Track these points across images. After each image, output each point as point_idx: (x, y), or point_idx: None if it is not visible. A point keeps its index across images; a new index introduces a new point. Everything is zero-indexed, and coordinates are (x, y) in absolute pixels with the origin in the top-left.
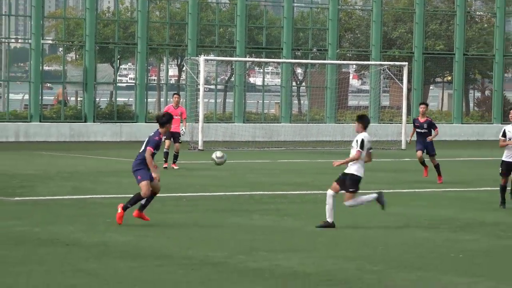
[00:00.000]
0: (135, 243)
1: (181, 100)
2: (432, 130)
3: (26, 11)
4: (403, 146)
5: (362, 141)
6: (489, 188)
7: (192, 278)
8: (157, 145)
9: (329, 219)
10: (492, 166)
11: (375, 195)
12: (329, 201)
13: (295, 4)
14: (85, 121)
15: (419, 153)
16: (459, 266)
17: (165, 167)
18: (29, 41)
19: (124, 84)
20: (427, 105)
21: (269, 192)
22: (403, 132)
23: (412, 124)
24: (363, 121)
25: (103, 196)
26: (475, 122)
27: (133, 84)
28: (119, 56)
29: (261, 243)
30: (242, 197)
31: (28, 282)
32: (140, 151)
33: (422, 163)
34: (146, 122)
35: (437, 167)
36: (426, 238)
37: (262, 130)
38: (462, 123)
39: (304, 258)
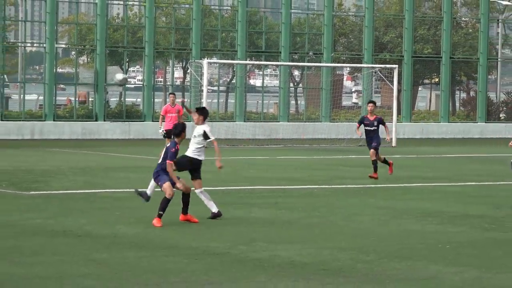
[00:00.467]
0: (143, 234)
1: (185, 100)
2: (383, 127)
3: (41, 17)
4: (394, 144)
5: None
6: (473, 183)
7: (196, 267)
8: (175, 156)
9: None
10: (476, 162)
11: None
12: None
13: (293, 11)
14: (96, 120)
15: (372, 151)
16: (446, 256)
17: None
18: (44, 45)
19: (133, 86)
20: (375, 103)
21: (268, 187)
22: (394, 130)
23: (358, 122)
24: (203, 113)
25: (113, 190)
26: (461, 121)
27: (141, 85)
28: (128, 59)
29: (260, 235)
30: (242, 192)
31: (43, 271)
32: (159, 162)
33: (374, 162)
34: (153, 121)
35: (374, 162)
36: (415, 230)
37: (262, 129)
38: (448, 122)
39: (301, 249)
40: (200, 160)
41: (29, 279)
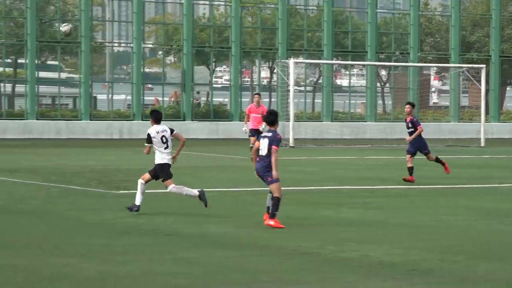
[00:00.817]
0: (232, 233)
1: (272, 100)
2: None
3: (128, 17)
4: (482, 144)
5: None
6: None
7: (286, 267)
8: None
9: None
10: None
11: (197, 192)
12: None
13: (379, 10)
14: (183, 120)
15: (408, 157)
16: None
17: None
18: (131, 45)
19: (220, 85)
20: (412, 105)
21: (356, 187)
22: (482, 130)
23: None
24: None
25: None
26: None
27: (228, 85)
28: (214, 59)
29: (349, 235)
30: (331, 191)
31: (132, 270)
32: (264, 154)
33: (410, 168)
34: (240, 121)
35: (437, 160)
36: (505, 230)
37: (349, 128)
38: None
39: (389, 249)
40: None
41: (119, 277)
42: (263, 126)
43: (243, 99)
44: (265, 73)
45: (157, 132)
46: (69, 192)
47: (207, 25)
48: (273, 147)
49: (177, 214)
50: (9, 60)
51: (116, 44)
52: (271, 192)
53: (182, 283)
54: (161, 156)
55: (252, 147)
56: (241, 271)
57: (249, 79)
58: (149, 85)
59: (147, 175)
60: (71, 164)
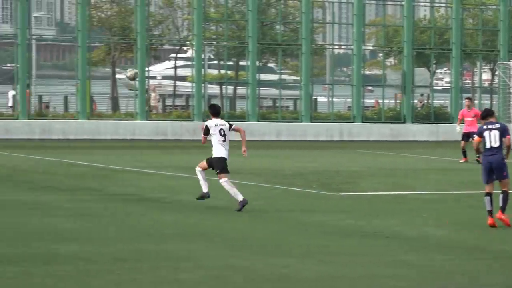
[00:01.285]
0: (451, 236)
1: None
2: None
3: (349, 19)
4: None
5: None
6: None
7: (508, 271)
8: None
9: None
10: None
11: (241, 198)
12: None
13: None
14: (404, 122)
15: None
16: None
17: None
18: (351, 47)
19: (440, 87)
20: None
21: None
22: None
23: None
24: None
25: (421, 192)
26: None
27: (449, 87)
28: (435, 61)
29: None
30: None
31: (351, 272)
32: (496, 146)
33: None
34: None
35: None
36: None
37: None
38: None
39: None
40: None
41: (337, 278)
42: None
43: (463, 102)
44: (486, 75)
45: (216, 125)
46: (289, 193)
47: (428, 26)
48: (507, 137)
49: (397, 217)
50: (230, 63)
51: (336, 46)
52: (503, 191)
53: (401, 285)
54: (220, 149)
55: (464, 151)
56: (461, 274)
57: (469, 81)
58: (369, 87)
59: (204, 163)
60: (291, 165)
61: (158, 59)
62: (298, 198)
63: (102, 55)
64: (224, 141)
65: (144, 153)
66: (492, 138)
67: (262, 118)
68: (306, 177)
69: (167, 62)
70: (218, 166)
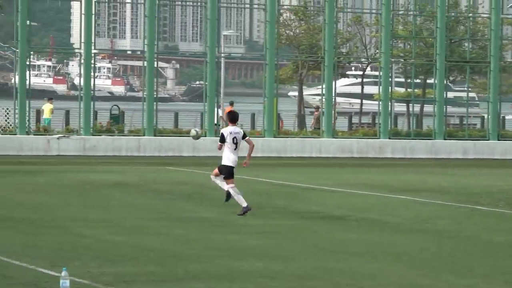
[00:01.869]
0: None
1: None
2: None
3: None
4: None
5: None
6: None
7: None
8: None
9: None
10: None
11: (244, 204)
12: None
13: None
14: None
15: None
16: None
17: None
18: None
19: None
20: None
21: None
22: None
23: None
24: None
25: None
26: None
27: None
28: None
29: None
30: None
31: None
32: None
33: None
34: None
35: None
36: None
37: None
38: None
39: None
40: None
41: None
42: None
43: None
44: None
45: (230, 133)
46: (476, 212)
47: None
48: None
49: None
50: (418, 80)
51: None
52: None
53: None
54: (229, 157)
55: None
56: None
57: None
58: None
59: (216, 171)
60: (478, 184)
61: (345, 76)
62: (484, 217)
63: (290, 73)
64: (235, 148)
65: (330, 170)
66: None
67: (449, 136)
68: (493, 196)
69: (346, 79)
70: (225, 172)
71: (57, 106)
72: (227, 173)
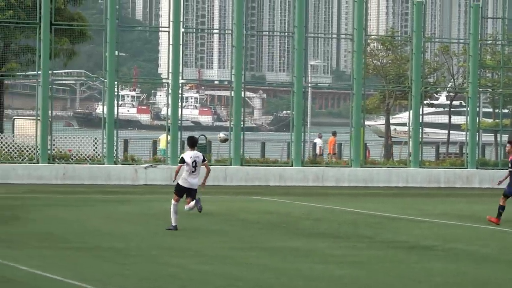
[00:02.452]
0: None
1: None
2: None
3: None
4: None
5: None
6: None
7: None
8: None
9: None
10: None
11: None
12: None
13: None
14: None
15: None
16: None
17: None
18: None
19: None
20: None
21: None
22: None
23: None
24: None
25: None
26: None
27: None
28: None
29: None
30: None
31: None
32: None
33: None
34: None
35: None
36: None
37: None
38: None
39: None
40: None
41: None
42: None
43: None
44: None
45: (190, 157)
46: None
47: None
48: None
49: None
50: (506, 110)
51: None
52: None
53: None
54: (187, 179)
55: None
56: None
57: None
58: None
59: (176, 197)
60: None
61: (432, 106)
62: None
63: (377, 103)
64: (194, 171)
65: (416, 200)
66: None
67: None
68: None
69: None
70: (177, 189)
71: (142, 136)
72: (179, 190)
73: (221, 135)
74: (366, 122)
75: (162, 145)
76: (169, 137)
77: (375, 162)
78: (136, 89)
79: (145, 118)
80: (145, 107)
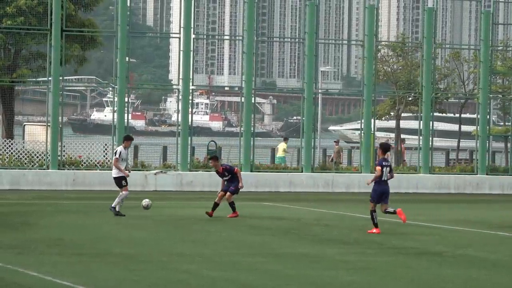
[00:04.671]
0: None
1: None
2: None
3: None
4: None
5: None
6: None
7: None
8: None
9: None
10: None
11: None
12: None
13: None
14: None
15: None
16: None
17: None
18: None
19: None
20: None
21: None
22: None
23: None
24: None
25: None
26: None
27: None
28: None
29: None
30: None
31: None
32: None
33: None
34: None
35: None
36: None
37: None
38: None
39: None
40: None
41: None
42: None
43: None
44: None
45: (120, 152)
46: None
47: None
48: None
49: None
50: None
51: None
52: None
53: None
54: (117, 171)
55: None
56: None
57: None
58: None
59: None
60: None
61: (443, 112)
62: None
63: (387, 109)
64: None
65: (426, 206)
66: None
67: None
68: None
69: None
70: (119, 184)
71: (150, 142)
72: (120, 182)
73: (145, 202)
74: (331, 127)
75: (280, 153)
76: (286, 145)
77: None
78: (131, 95)
79: (139, 124)
80: (139, 113)
